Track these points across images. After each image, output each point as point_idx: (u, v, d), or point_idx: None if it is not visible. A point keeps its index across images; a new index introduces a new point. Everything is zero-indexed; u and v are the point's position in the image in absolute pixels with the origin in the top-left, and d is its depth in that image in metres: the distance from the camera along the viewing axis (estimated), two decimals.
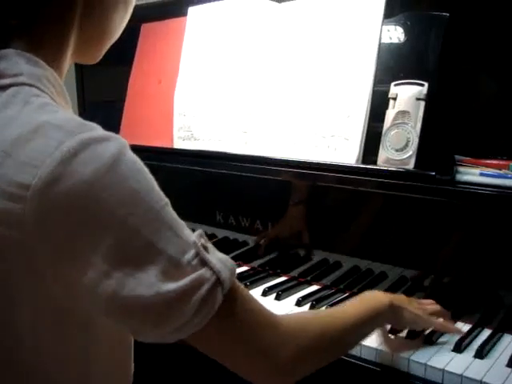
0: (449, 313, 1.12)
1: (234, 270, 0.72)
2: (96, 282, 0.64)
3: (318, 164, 1.30)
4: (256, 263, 1.45)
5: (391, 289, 1.22)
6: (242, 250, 1.46)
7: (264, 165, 1.38)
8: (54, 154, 0.63)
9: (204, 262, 0.68)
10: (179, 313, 0.66)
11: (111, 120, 1.82)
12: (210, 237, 1.52)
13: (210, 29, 1.61)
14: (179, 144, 1.63)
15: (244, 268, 1.46)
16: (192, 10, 1.67)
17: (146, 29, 1.80)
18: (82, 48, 0.84)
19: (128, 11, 0.88)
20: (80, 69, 2.09)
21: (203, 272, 0.67)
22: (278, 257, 1.43)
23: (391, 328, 1.10)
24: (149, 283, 0.64)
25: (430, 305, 1.11)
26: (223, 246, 1.45)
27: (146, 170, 0.68)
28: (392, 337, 1.09)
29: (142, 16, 1.81)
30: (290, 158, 1.36)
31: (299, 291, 1.32)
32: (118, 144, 0.66)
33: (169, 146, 1.64)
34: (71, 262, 0.65)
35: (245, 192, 1.45)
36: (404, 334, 1.10)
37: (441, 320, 1.09)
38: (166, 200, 0.69)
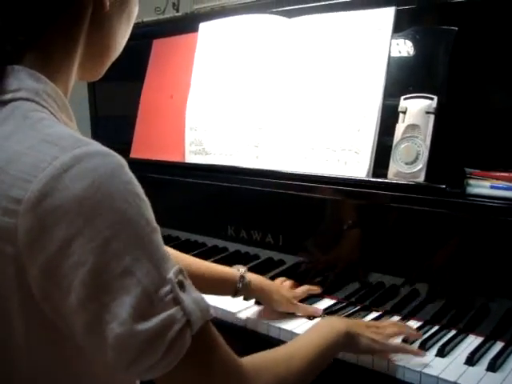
0: (411, 329, 1.13)
1: (206, 312, 0.70)
2: (74, 308, 0.64)
3: (328, 178, 1.30)
4: (267, 276, 1.45)
5: (402, 302, 1.23)
6: (254, 263, 1.46)
7: (275, 179, 1.39)
8: (47, 169, 0.63)
9: (177, 301, 0.67)
10: (149, 353, 0.65)
11: (123, 135, 1.84)
12: (222, 250, 1.53)
13: (221, 44, 1.63)
14: (191, 158, 1.64)
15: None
16: (203, 26, 1.68)
17: (158, 44, 1.82)
18: (86, 64, 0.85)
19: (130, 26, 0.89)
20: (92, 84, 2.10)
21: (174, 312, 0.66)
22: (289, 270, 1.43)
23: (403, 340, 1.10)
24: (122, 320, 0.63)
25: (391, 326, 1.11)
26: (235, 259, 1.46)
27: (138, 191, 0.67)
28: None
29: (153, 32, 1.83)
30: (300, 171, 1.37)
31: (311, 304, 1.32)
32: (112, 161, 0.66)
33: (180, 160, 1.65)
34: (55, 282, 0.64)
35: (256, 206, 1.46)
36: (416, 345, 1.10)
37: (396, 343, 1.09)
38: (155, 226, 0.68)
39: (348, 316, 1.24)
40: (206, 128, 1.61)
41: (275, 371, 0.83)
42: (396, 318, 1.23)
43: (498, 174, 1.16)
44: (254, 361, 0.82)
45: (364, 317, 1.25)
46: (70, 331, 0.68)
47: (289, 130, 1.43)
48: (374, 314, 1.26)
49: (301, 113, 1.42)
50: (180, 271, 0.69)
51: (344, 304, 1.31)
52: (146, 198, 0.68)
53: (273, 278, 1.44)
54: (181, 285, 0.68)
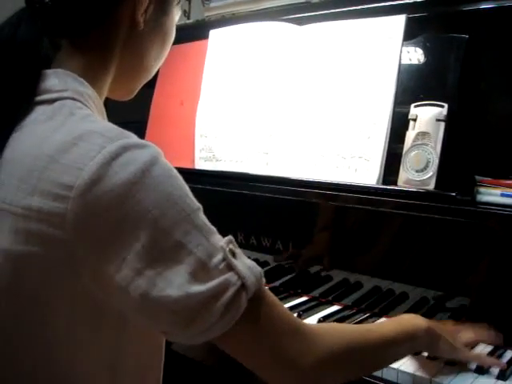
0: (499, 335, 1.10)
1: (260, 277, 0.74)
2: (129, 280, 0.68)
3: (338, 185, 1.30)
4: (277, 283, 1.46)
5: (412, 309, 1.22)
6: (264, 269, 1.46)
7: (285, 186, 1.39)
8: (96, 158, 0.68)
9: (230, 267, 0.71)
10: (206, 314, 0.68)
11: None
12: None
13: (231, 51, 1.64)
14: (201, 165, 1.64)
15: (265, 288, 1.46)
16: (213, 33, 1.69)
17: (169, 51, 1.83)
18: (119, 79, 0.90)
19: (164, 49, 0.94)
20: None
21: (229, 276, 0.70)
22: (298, 277, 1.43)
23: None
24: (178, 284, 0.67)
25: (472, 331, 1.08)
26: None
27: (179, 176, 0.73)
28: (414, 357, 1.09)
29: None
30: (310, 178, 1.37)
31: (320, 311, 1.32)
32: (153, 151, 0.72)
33: (190, 166, 1.66)
34: (108, 260, 0.68)
35: (266, 212, 1.46)
36: (426, 354, 1.09)
37: (477, 354, 1.06)
38: (198, 205, 0.73)
39: (358, 323, 1.23)
40: (216, 135, 1.61)
41: (346, 338, 0.82)
42: None
43: (508, 181, 1.16)
44: (321, 328, 0.83)
45: (373, 323, 1.24)
46: (118, 311, 0.73)
47: (299, 137, 1.43)
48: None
49: (311, 120, 1.42)
50: (230, 241, 0.73)
51: (354, 311, 1.31)
52: (184, 182, 0.74)
53: (282, 285, 1.44)
54: (232, 253, 0.72)
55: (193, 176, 1.61)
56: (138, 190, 0.68)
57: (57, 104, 0.76)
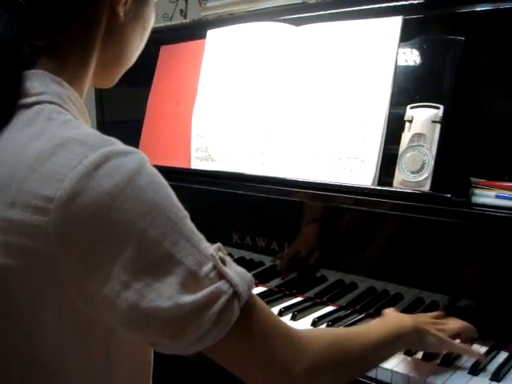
0: (474, 328, 1.11)
1: (252, 283, 0.73)
2: (116, 292, 0.66)
3: (334, 185, 1.31)
4: (272, 283, 1.46)
5: (407, 310, 1.22)
6: (258, 270, 1.47)
7: (280, 186, 1.39)
8: (77, 168, 0.65)
9: (221, 275, 0.69)
10: (197, 325, 0.67)
11: (129, 140, 1.81)
12: None
13: (228, 51, 1.64)
14: (196, 165, 1.64)
15: (260, 288, 1.46)
16: (211, 33, 1.69)
17: (165, 51, 1.83)
18: (101, 70, 0.87)
19: (144, 37, 0.91)
20: (99, 89, 2.11)
21: (220, 285, 0.69)
22: (294, 277, 1.43)
23: (424, 354, 1.10)
24: (167, 295, 0.66)
25: (453, 323, 1.09)
26: (239, 265, 1.46)
27: (165, 183, 0.70)
28: (408, 359, 1.09)
29: (161, 38, 1.84)
30: (306, 179, 1.37)
31: (315, 312, 1.32)
32: (137, 158, 0.69)
33: (186, 166, 1.66)
34: (93, 273, 0.66)
35: (261, 213, 1.46)
36: (420, 355, 1.10)
37: (463, 345, 1.07)
38: (185, 213, 0.71)
39: (351, 324, 1.24)
40: (212, 135, 1.62)
41: (334, 342, 0.82)
42: None
43: (503, 183, 1.16)
44: (310, 334, 0.83)
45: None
46: (105, 323, 0.72)
47: (295, 138, 1.43)
48: None
49: (307, 120, 1.42)
50: (219, 248, 0.72)
51: (348, 311, 1.31)
52: (171, 188, 0.71)
53: (277, 286, 1.45)
54: (222, 261, 0.71)
55: (189, 176, 1.61)
56: (123, 201, 0.65)
57: (34, 108, 0.73)
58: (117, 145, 0.70)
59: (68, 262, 0.66)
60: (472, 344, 1.11)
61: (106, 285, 0.66)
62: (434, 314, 1.13)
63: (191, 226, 0.71)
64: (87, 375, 0.76)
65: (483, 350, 1.12)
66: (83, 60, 0.82)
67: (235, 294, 0.69)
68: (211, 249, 0.71)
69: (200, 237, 0.71)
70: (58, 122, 0.71)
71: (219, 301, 0.68)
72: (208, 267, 0.69)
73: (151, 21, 0.91)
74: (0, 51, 0.74)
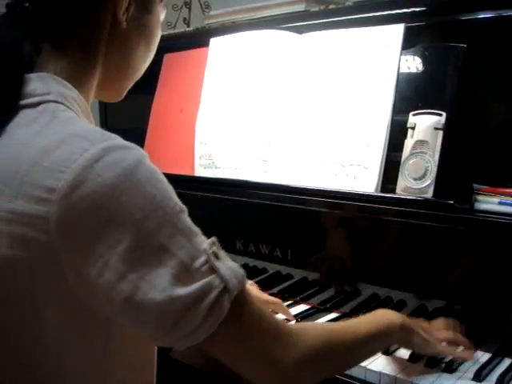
0: (466, 340, 1.11)
1: (243, 279, 0.75)
2: (112, 283, 0.68)
3: (337, 192, 1.31)
4: (275, 290, 1.46)
5: (410, 317, 1.22)
6: (262, 277, 1.47)
7: (284, 193, 1.40)
8: (79, 160, 0.68)
9: (213, 270, 0.71)
10: (190, 317, 0.68)
11: None
12: None
13: (232, 59, 1.64)
14: (200, 172, 1.65)
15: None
16: (214, 41, 1.70)
17: (169, 59, 1.84)
18: (106, 79, 0.89)
19: (150, 47, 0.93)
20: None
21: (212, 279, 0.70)
22: (297, 284, 1.43)
23: (410, 356, 1.10)
24: (161, 287, 0.68)
25: (443, 330, 1.09)
26: None
27: (164, 178, 0.73)
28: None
29: (164, 46, 1.84)
30: (309, 186, 1.37)
31: (319, 318, 1.32)
32: (137, 153, 0.72)
33: (190, 173, 1.66)
34: (91, 262, 0.68)
35: (264, 220, 1.47)
36: (423, 362, 1.10)
37: (450, 348, 1.08)
38: (182, 207, 0.73)
39: None
40: (215, 142, 1.62)
41: (323, 336, 0.84)
42: None
43: (506, 189, 1.17)
44: (300, 324, 0.85)
45: None
46: (104, 312, 0.73)
47: (298, 145, 1.44)
48: None
49: (310, 128, 1.43)
50: (213, 243, 0.74)
51: (351, 318, 1.31)
52: (169, 184, 0.74)
53: (280, 292, 1.45)
54: (215, 255, 0.72)
55: (192, 183, 1.61)
56: (122, 193, 0.68)
57: (40, 107, 0.76)
58: (117, 139, 0.72)
59: (68, 251, 0.68)
60: (458, 347, 1.11)
61: (103, 275, 0.68)
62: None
63: (187, 220, 0.73)
64: (87, 368, 0.78)
65: (487, 356, 1.12)
66: (88, 65, 0.85)
67: (225, 289, 0.71)
68: (205, 243, 0.73)
69: (195, 231, 0.73)
70: (62, 119, 0.74)
71: (210, 295, 0.70)
72: (200, 261, 0.71)
73: (156, 31, 0.93)
74: (2, 55, 0.78)
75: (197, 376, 1.37)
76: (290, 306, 1.40)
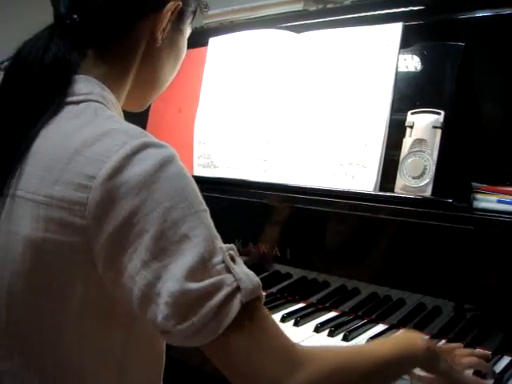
0: (488, 365, 1.07)
1: (258, 287, 0.75)
2: (137, 270, 0.71)
3: (336, 191, 1.31)
4: (275, 289, 1.46)
5: (409, 316, 1.23)
6: (261, 276, 1.47)
7: (283, 192, 1.40)
8: (119, 151, 0.73)
9: (229, 270, 0.73)
10: (199, 312, 0.69)
11: None
12: None
13: (230, 59, 1.65)
14: (199, 171, 1.65)
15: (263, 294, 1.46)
16: (212, 41, 1.70)
17: None
18: (134, 91, 0.96)
19: (177, 65, 1.00)
20: None
21: (226, 277, 0.72)
22: (296, 283, 1.43)
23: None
24: (176, 278, 0.69)
25: (468, 356, 1.06)
26: None
27: (192, 178, 0.77)
28: None
29: None
30: (308, 185, 1.37)
31: (318, 317, 1.32)
32: (171, 151, 0.76)
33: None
34: (121, 249, 0.72)
35: (264, 219, 1.47)
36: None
37: (475, 379, 1.04)
38: (207, 208, 0.77)
39: (355, 329, 1.24)
40: (214, 142, 1.62)
41: (334, 361, 0.80)
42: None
43: (505, 188, 1.17)
44: (312, 347, 0.83)
45: (370, 329, 1.26)
46: (125, 305, 0.75)
47: (296, 144, 1.44)
48: (381, 327, 1.26)
49: (308, 127, 1.43)
50: (232, 248, 0.76)
51: (351, 317, 1.31)
52: (196, 184, 0.77)
53: (279, 291, 1.45)
54: (232, 259, 0.74)
55: None
56: (153, 182, 0.72)
57: (83, 105, 0.82)
58: (154, 138, 0.77)
59: (101, 236, 0.72)
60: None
61: (132, 261, 0.71)
62: (455, 345, 1.12)
63: (210, 220, 0.76)
64: (105, 364, 0.81)
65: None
66: (123, 74, 0.92)
67: (238, 289, 0.72)
68: (224, 246, 0.75)
69: (216, 234, 0.76)
70: (103, 117, 0.80)
71: (222, 291, 0.71)
72: (218, 259, 0.73)
73: (184, 49, 1.00)
74: (53, 59, 0.84)
75: (197, 376, 1.37)
76: (289, 304, 1.40)
